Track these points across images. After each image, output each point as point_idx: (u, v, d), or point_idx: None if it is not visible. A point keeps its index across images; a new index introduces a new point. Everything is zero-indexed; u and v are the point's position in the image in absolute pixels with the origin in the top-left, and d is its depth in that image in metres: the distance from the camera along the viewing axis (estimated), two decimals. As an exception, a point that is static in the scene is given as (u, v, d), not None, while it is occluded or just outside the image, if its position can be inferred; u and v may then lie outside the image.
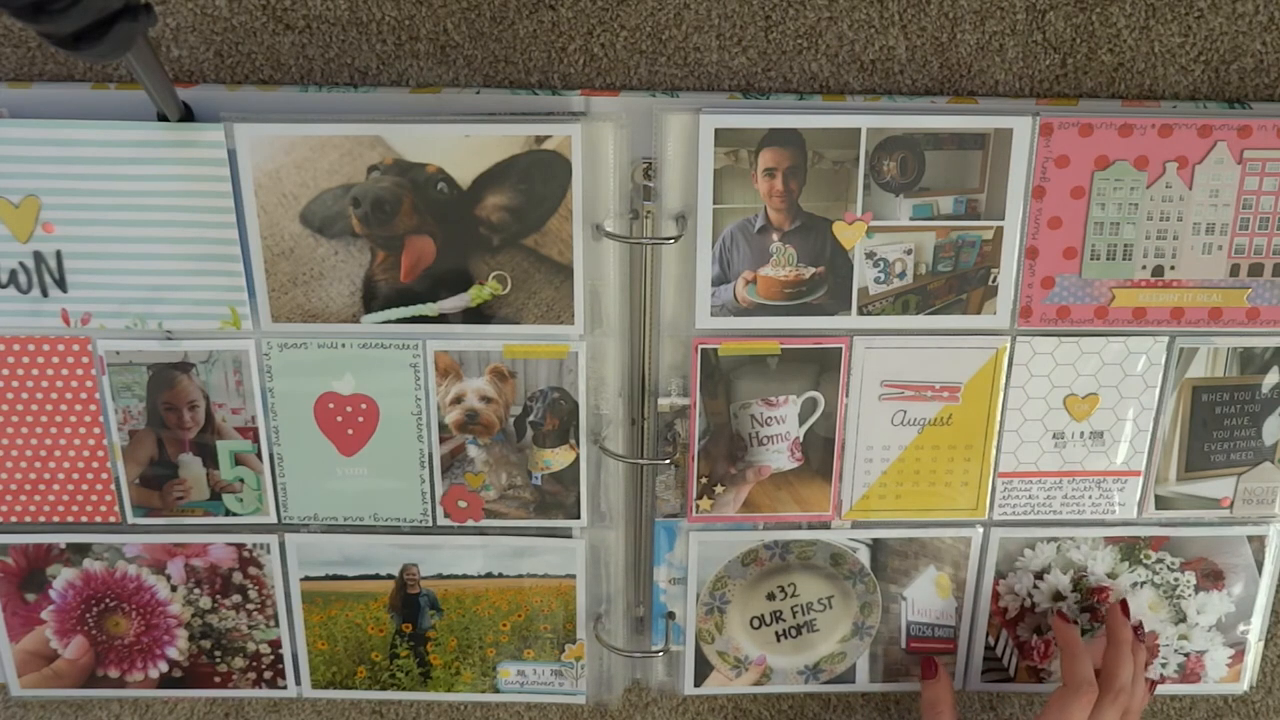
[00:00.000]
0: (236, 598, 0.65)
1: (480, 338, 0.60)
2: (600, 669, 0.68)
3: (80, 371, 0.61)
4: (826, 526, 0.65)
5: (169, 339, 0.60)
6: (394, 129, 0.56)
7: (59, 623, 0.66)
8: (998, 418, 0.63)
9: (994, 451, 0.64)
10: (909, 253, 0.59)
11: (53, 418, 0.62)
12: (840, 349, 0.61)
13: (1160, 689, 0.70)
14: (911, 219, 0.58)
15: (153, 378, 0.61)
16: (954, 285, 0.60)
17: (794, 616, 0.67)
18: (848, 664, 0.68)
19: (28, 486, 0.63)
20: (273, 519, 0.64)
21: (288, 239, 0.58)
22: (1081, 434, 0.63)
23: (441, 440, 0.62)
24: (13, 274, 0.59)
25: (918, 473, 0.64)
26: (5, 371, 0.61)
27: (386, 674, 0.67)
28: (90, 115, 0.56)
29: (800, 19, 0.58)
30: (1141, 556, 0.66)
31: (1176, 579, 0.67)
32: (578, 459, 0.62)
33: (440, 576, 0.65)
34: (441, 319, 0.59)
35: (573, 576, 0.65)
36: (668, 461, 0.63)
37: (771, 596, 0.66)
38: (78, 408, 0.61)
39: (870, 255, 0.59)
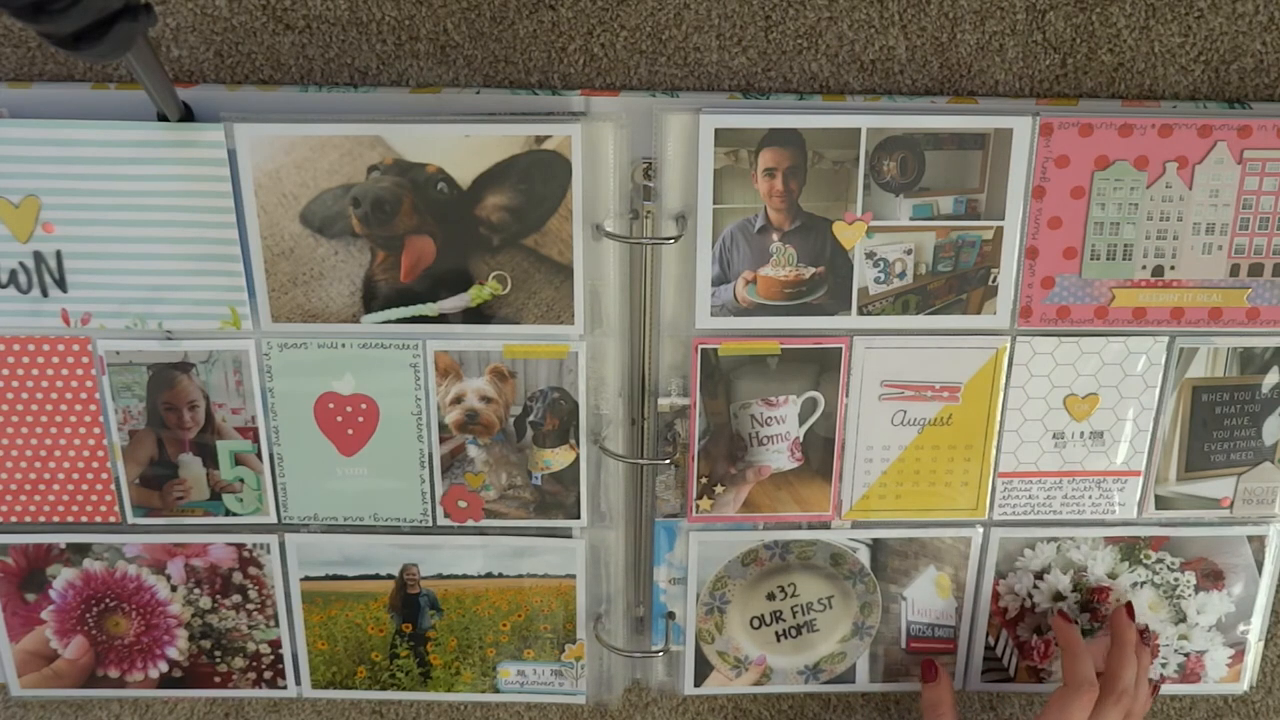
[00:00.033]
0: (236, 598, 0.65)
1: (480, 338, 0.60)
2: (600, 669, 0.68)
3: (80, 371, 0.61)
4: (826, 526, 0.65)
5: (169, 339, 0.60)
6: (394, 129, 0.56)
7: (59, 623, 0.66)
8: (998, 418, 0.63)
9: (994, 451, 0.64)
10: (909, 253, 0.59)
11: (53, 418, 0.62)
12: (840, 349, 0.61)
13: (1160, 689, 0.70)
14: (911, 219, 0.58)
15: (153, 378, 0.61)
16: (954, 285, 0.60)
17: (794, 616, 0.67)
18: (848, 664, 0.68)
19: (28, 486, 0.63)
20: (273, 519, 0.64)
21: (288, 239, 0.58)
22: (1081, 434, 0.63)
23: (441, 440, 0.62)
24: (13, 274, 0.59)
25: (918, 473, 0.64)
26: (5, 371, 0.61)
27: (386, 674, 0.67)
28: (90, 115, 0.56)
29: (800, 19, 0.58)
30: (1141, 556, 0.66)
31: (1176, 579, 0.67)
32: (578, 459, 0.62)
33: (440, 576, 0.65)
34: (441, 319, 0.59)
35: (573, 576, 0.65)
36: (668, 461, 0.63)
37: (771, 596, 0.66)
38: (78, 408, 0.61)
39: (870, 255, 0.59)
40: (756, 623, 0.67)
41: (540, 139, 0.56)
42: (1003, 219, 0.59)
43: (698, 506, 0.64)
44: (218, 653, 0.67)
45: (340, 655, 0.67)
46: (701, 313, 0.60)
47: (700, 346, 0.60)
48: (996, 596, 0.67)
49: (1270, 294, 0.61)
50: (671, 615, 0.67)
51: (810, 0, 0.58)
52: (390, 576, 0.65)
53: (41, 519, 0.64)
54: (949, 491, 0.64)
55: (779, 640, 0.67)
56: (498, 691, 0.68)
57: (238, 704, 0.70)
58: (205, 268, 0.58)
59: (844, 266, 0.59)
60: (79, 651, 0.67)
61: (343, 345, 0.60)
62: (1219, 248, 0.60)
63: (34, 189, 0.57)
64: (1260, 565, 0.66)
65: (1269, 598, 0.67)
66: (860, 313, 0.60)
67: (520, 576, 0.65)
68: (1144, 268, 0.60)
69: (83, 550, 0.65)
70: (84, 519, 0.64)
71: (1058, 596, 0.67)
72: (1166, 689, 0.70)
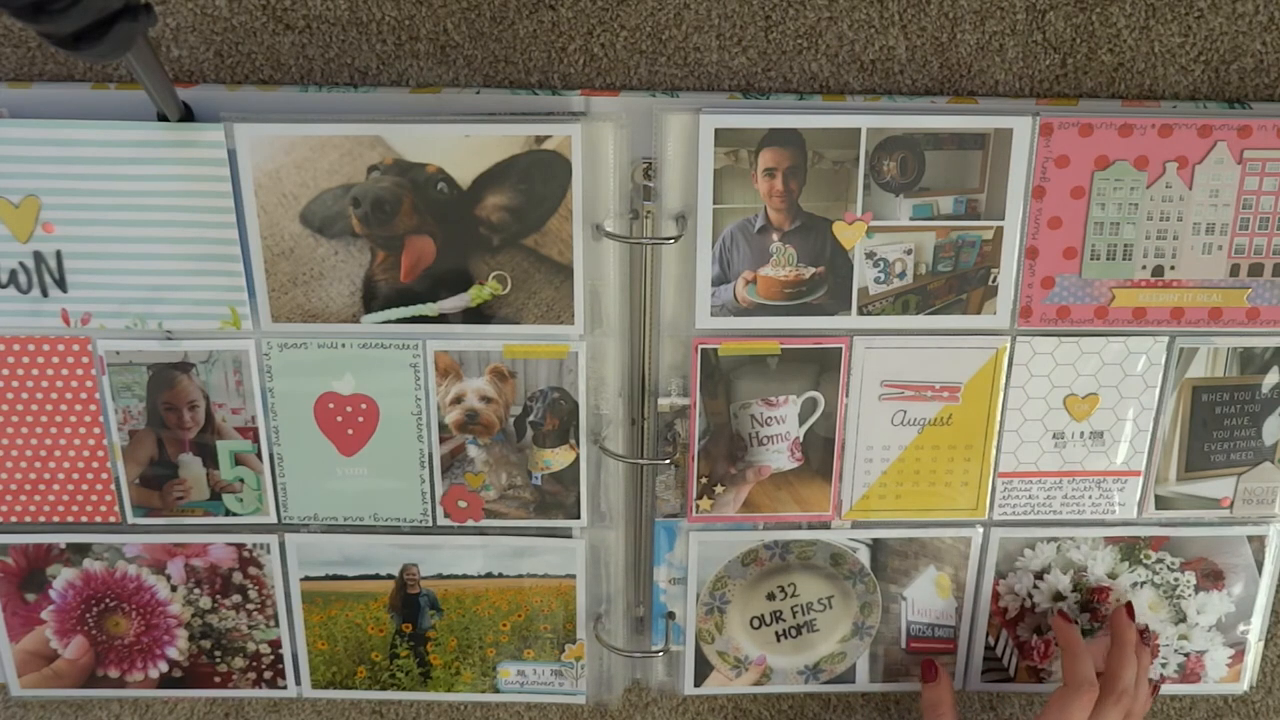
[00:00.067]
0: (236, 598, 0.65)
1: (480, 338, 0.60)
2: (600, 669, 0.68)
3: (80, 371, 0.61)
4: (826, 526, 0.65)
5: (169, 339, 0.60)
6: (394, 129, 0.56)
7: (59, 623, 0.66)
8: (998, 418, 0.63)
9: (994, 451, 0.64)
10: (909, 253, 0.59)
11: (53, 418, 0.62)
12: (840, 349, 0.61)
13: (1160, 689, 0.70)
14: (911, 219, 0.58)
15: (153, 378, 0.61)
16: (954, 285, 0.60)
17: (794, 616, 0.67)
18: (848, 664, 0.68)
19: (28, 486, 0.63)
20: (273, 519, 0.64)
21: (288, 239, 0.58)
22: (1081, 434, 0.63)
23: (441, 440, 0.62)
24: (13, 274, 0.59)
25: (918, 473, 0.64)
26: (5, 371, 0.61)
27: (386, 674, 0.67)
28: (90, 115, 0.56)
29: (800, 19, 0.58)
30: (1141, 556, 0.66)
31: (1176, 579, 0.67)
32: (578, 459, 0.62)
33: (440, 576, 0.65)
34: (441, 319, 0.59)
35: (573, 576, 0.65)
36: (668, 461, 0.63)
37: (771, 596, 0.66)
38: (78, 408, 0.61)
39: (870, 255, 0.59)
40: (756, 623, 0.67)
41: (540, 139, 0.56)
42: (1003, 219, 0.59)
43: (698, 506, 0.64)
44: (218, 653, 0.67)
45: (340, 655, 0.67)
46: (701, 313, 0.60)
47: (700, 346, 0.60)
48: (996, 596, 0.67)
49: (1270, 294, 0.61)
50: (671, 615, 0.67)
51: (810, 0, 0.58)
52: (390, 576, 0.65)
53: (41, 519, 0.64)
54: (949, 491, 0.64)
55: (779, 640, 0.67)
56: (498, 691, 0.68)
57: (238, 704, 0.70)
58: (205, 268, 0.58)
59: (844, 266, 0.59)
60: (79, 651, 0.67)
61: (343, 345, 0.60)
62: (1219, 248, 0.60)
63: (34, 189, 0.57)
64: (1260, 565, 0.66)
65: (1269, 598, 0.67)
66: (860, 313, 0.60)
67: (520, 576, 0.65)
68: (1144, 268, 0.60)
69: (83, 550, 0.65)
70: (84, 519, 0.64)
71: (1058, 596, 0.67)
72: (1166, 689, 0.70)
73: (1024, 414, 0.63)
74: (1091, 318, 0.61)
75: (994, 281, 0.60)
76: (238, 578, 0.65)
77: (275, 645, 0.67)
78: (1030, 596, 0.67)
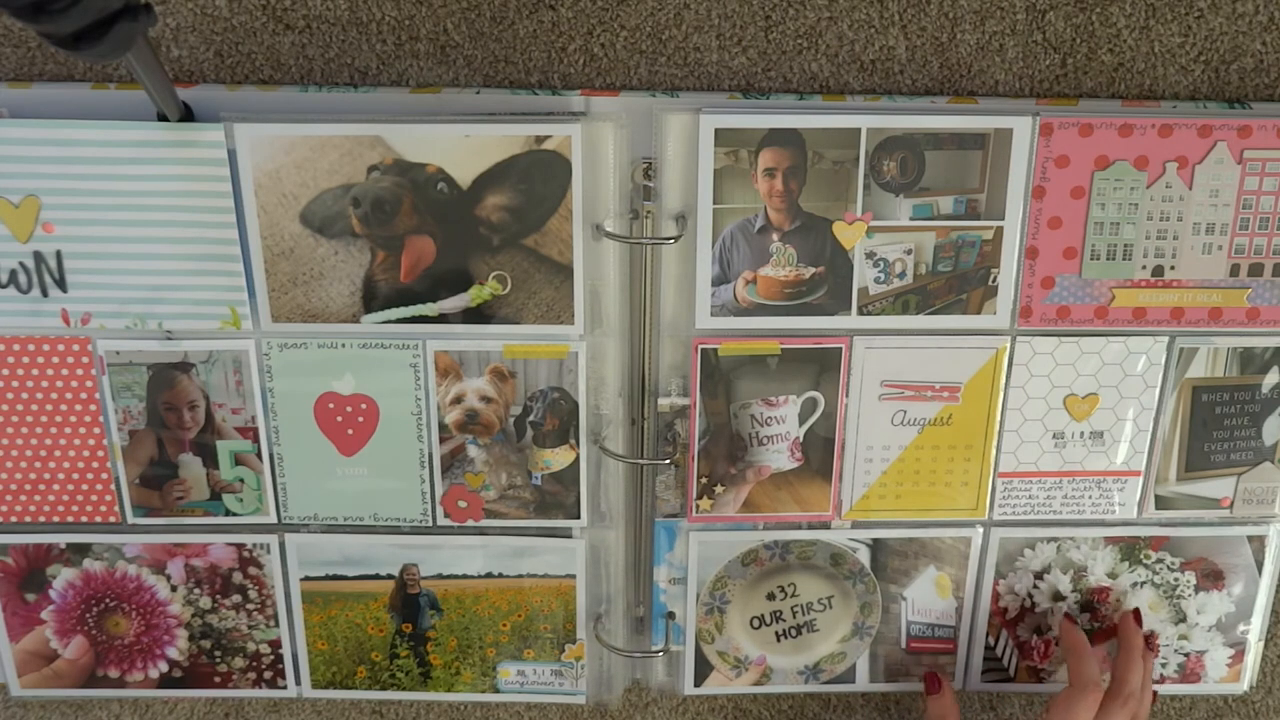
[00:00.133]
0: (236, 598, 0.65)
1: (480, 338, 0.60)
2: (600, 669, 0.68)
3: (80, 371, 0.61)
4: (826, 526, 0.65)
5: (169, 339, 0.60)
6: (394, 129, 0.56)
7: (59, 623, 0.66)
8: (998, 418, 0.63)
9: (994, 451, 0.64)
10: (909, 253, 0.59)
11: (53, 418, 0.62)
12: (840, 349, 0.61)
13: (1160, 689, 0.70)
14: (911, 219, 0.58)
15: (153, 378, 0.61)
16: (954, 285, 0.60)
17: (794, 616, 0.67)
18: (848, 664, 0.68)
19: (28, 486, 0.63)
20: (273, 519, 0.64)
21: (288, 239, 0.58)
22: (1081, 434, 0.63)
23: (441, 440, 0.62)
24: (13, 274, 0.59)
25: (918, 473, 0.64)
26: (5, 371, 0.61)
27: (386, 674, 0.67)
28: (90, 115, 0.56)
29: (800, 19, 0.58)
30: (1141, 556, 0.66)
31: (1176, 579, 0.67)
32: (578, 459, 0.62)
33: (440, 576, 0.65)
34: (441, 319, 0.59)
35: (573, 576, 0.65)
36: (668, 461, 0.63)
37: (771, 596, 0.66)
38: (78, 408, 0.61)
39: (870, 255, 0.59)
40: (756, 623, 0.67)
41: (540, 139, 0.56)
42: (1003, 219, 0.59)
43: (698, 506, 0.64)
44: (218, 653, 0.67)
45: (340, 655, 0.67)
46: (701, 313, 0.60)
47: (700, 346, 0.60)
48: (996, 596, 0.67)
49: (1270, 294, 0.61)
50: (671, 615, 0.67)
51: (810, 0, 0.58)
52: (390, 576, 0.65)
53: (41, 519, 0.64)
54: (949, 491, 0.64)
55: (779, 640, 0.67)
56: (498, 691, 0.68)
57: (238, 704, 0.70)
58: (205, 268, 0.58)
59: (844, 266, 0.59)
60: (79, 651, 0.67)
61: (343, 345, 0.60)
62: (1219, 248, 0.60)
63: (34, 189, 0.57)
64: (1260, 565, 0.66)
65: (1269, 598, 0.67)
66: (860, 313, 0.60)
67: (520, 576, 0.65)
68: (1144, 268, 0.60)
69: (83, 550, 0.65)
70: (84, 519, 0.64)
71: (1058, 596, 0.67)
72: (1167, 689, 0.70)
73: (1024, 414, 0.63)
74: (1091, 318, 0.61)
75: (994, 281, 0.60)
76: (238, 578, 0.65)
77: (275, 645, 0.67)
78: (1030, 596, 0.67)
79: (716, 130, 0.56)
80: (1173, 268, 0.60)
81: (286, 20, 0.58)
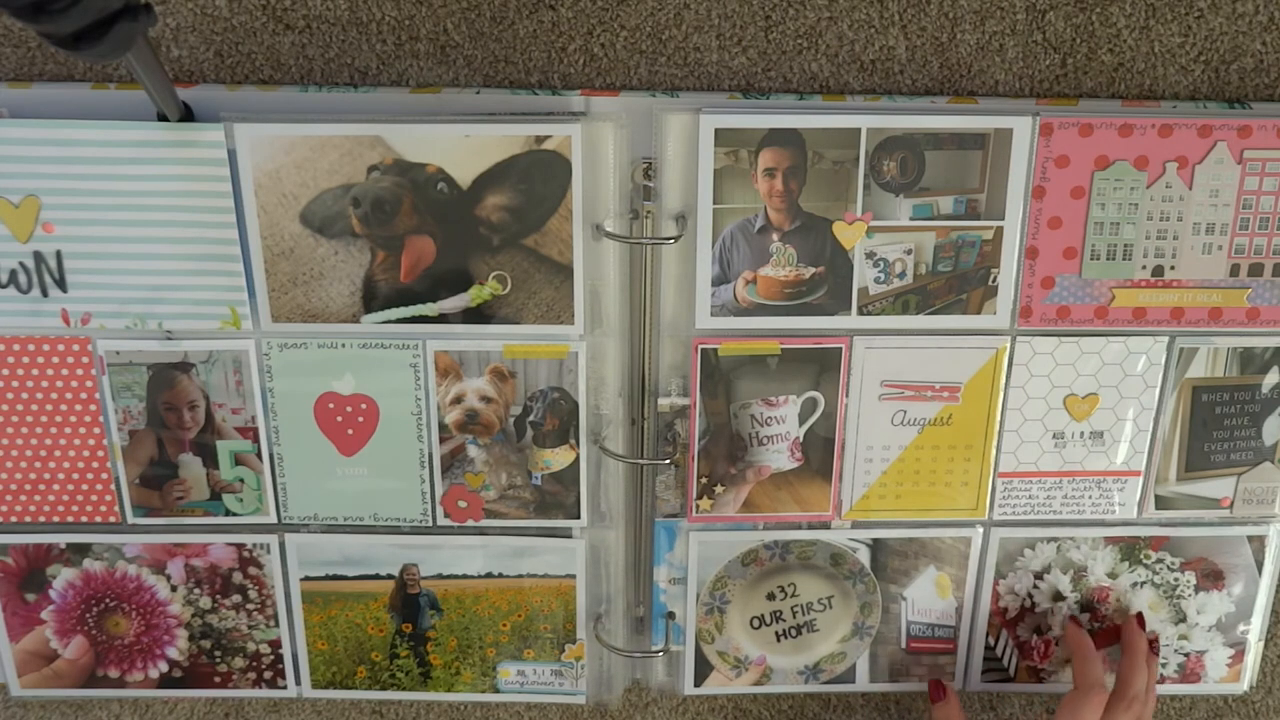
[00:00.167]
0: (236, 598, 0.65)
1: (480, 338, 0.60)
2: (600, 669, 0.68)
3: (80, 371, 0.61)
4: (826, 526, 0.65)
5: (169, 339, 0.60)
6: (394, 129, 0.56)
7: (59, 623, 0.66)
8: (998, 418, 0.63)
9: (994, 451, 0.63)
10: (909, 253, 0.59)
11: (53, 418, 0.62)
12: (840, 349, 0.61)
13: (1160, 689, 0.70)
14: (911, 219, 0.58)
15: (153, 378, 0.61)
16: (954, 285, 0.60)
17: (794, 616, 0.67)
18: (848, 664, 0.68)
19: (28, 486, 0.63)
20: (273, 519, 0.64)
21: (288, 239, 0.58)
22: (1081, 434, 0.63)
23: (441, 440, 0.62)
24: (13, 274, 0.59)
25: (918, 473, 0.64)
26: (5, 371, 0.61)
27: (386, 674, 0.67)
28: (90, 115, 0.56)
29: (800, 19, 0.58)
30: (1141, 556, 0.66)
31: (1176, 579, 0.67)
32: (578, 459, 0.62)
33: (440, 576, 0.65)
34: (441, 319, 0.59)
35: (573, 576, 0.65)
36: (668, 461, 0.63)
37: (771, 596, 0.66)
38: (78, 408, 0.61)
39: (870, 255, 0.59)
40: (756, 623, 0.67)
41: (540, 139, 0.56)
42: (1003, 219, 0.59)
43: (698, 506, 0.64)
44: (218, 653, 0.67)
45: (340, 655, 0.67)
46: (701, 313, 0.60)
47: (700, 346, 0.60)
48: (996, 596, 0.67)
49: (1270, 294, 0.61)
50: (671, 615, 0.67)
51: (810, 0, 0.58)
52: (390, 576, 0.65)
53: (41, 519, 0.64)
54: (949, 491, 0.64)
55: (779, 640, 0.67)
56: (498, 691, 0.68)
57: (238, 704, 0.70)
58: (205, 268, 0.58)
59: (844, 266, 0.59)
60: (79, 651, 0.67)
61: (343, 345, 0.60)
62: (1219, 248, 0.60)
63: (34, 189, 0.57)
64: (1260, 565, 0.66)
65: (1269, 598, 0.67)
66: (860, 313, 0.60)
67: (520, 576, 0.65)
68: (1144, 268, 0.60)
69: (83, 550, 0.65)
70: (84, 519, 0.64)
71: (1058, 596, 0.67)
72: (1167, 689, 0.70)
73: (1024, 414, 0.63)
74: (1091, 318, 0.61)
75: (994, 281, 0.60)
76: (238, 578, 0.65)
77: (275, 645, 0.67)
78: (1030, 596, 0.67)
79: (716, 130, 0.56)
80: (1173, 268, 0.60)
81: (286, 20, 0.58)
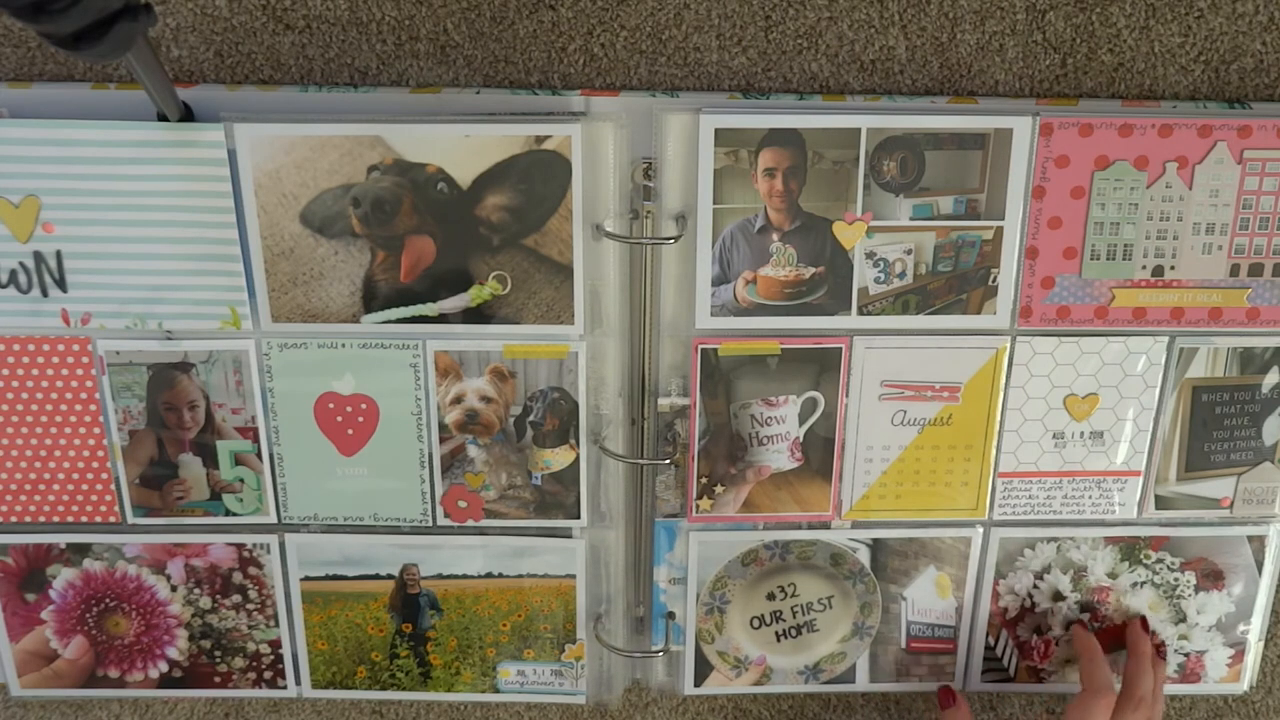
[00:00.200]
0: (236, 598, 0.65)
1: (480, 338, 0.60)
2: (600, 669, 0.68)
3: (80, 371, 0.61)
4: (826, 526, 0.65)
5: (169, 339, 0.60)
6: (394, 129, 0.56)
7: (59, 623, 0.66)
8: (998, 418, 0.63)
9: (994, 451, 0.64)
10: (909, 253, 0.59)
11: (53, 418, 0.62)
12: (840, 349, 0.61)
13: (1160, 689, 0.70)
14: (911, 219, 0.58)
15: (153, 378, 0.61)
16: (954, 285, 0.60)
17: (794, 616, 0.67)
18: (848, 664, 0.68)
19: (28, 486, 0.63)
20: (273, 519, 0.64)
21: (288, 239, 0.58)
22: (1081, 434, 0.63)
23: (441, 440, 0.62)
24: (13, 274, 0.59)
25: (918, 473, 0.64)
26: (5, 371, 0.61)
27: (386, 674, 0.67)
28: (90, 115, 0.56)
29: (800, 19, 0.58)
30: (1141, 556, 0.66)
31: (1176, 579, 0.67)
32: (578, 459, 0.62)
33: (440, 576, 0.65)
34: (441, 319, 0.59)
35: (573, 576, 0.65)
36: (668, 461, 0.63)
37: (771, 596, 0.66)
38: (78, 408, 0.61)
39: (870, 255, 0.59)
40: (756, 623, 0.67)
41: (540, 139, 0.56)
42: (1003, 219, 0.59)
43: (698, 506, 0.64)
44: (218, 653, 0.67)
45: (340, 655, 0.67)
46: (701, 313, 0.60)
47: (700, 346, 0.60)
48: (996, 596, 0.67)
49: (1270, 294, 0.61)
50: (671, 615, 0.67)
51: (810, 0, 0.58)
52: (390, 576, 0.65)
53: (41, 519, 0.64)
54: (949, 491, 0.64)
55: (779, 640, 0.67)
56: (498, 691, 0.68)
57: (238, 704, 0.70)
58: (205, 268, 0.58)
59: (844, 266, 0.59)
60: (79, 651, 0.67)
61: (343, 345, 0.60)
62: (1219, 248, 0.60)
63: (34, 189, 0.57)
64: (1260, 565, 0.66)
65: (1269, 598, 0.67)
66: (860, 313, 0.60)
67: (520, 576, 0.65)
68: (1144, 268, 0.60)
69: (83, 550, 0.65)
70: (84, 519, 0.64)
71: (1058, 596, 0.67)
72: (1167, 689, 0.70)
73: (1024, 414, 0.63)
74: (1091, 318, 0.61)
75: (994, 281, 0.60)
76: (238, 578, 0.65)
77: (275, 645, 0.67)
78: (1030, 596, 0.67)
79: (716, 130, 0.56)
80: (1173, 268, 0.60)
81: (286, 20, 0.58)
